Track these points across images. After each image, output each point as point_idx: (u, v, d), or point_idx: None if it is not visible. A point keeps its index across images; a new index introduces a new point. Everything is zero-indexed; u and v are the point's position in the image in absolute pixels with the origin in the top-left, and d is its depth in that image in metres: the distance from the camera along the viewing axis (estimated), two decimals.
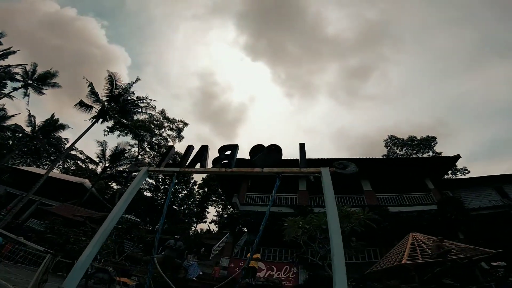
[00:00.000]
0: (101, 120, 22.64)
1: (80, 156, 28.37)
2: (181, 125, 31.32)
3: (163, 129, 31.03)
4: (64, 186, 25.65)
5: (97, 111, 22.65)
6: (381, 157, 16.72)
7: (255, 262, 8.55)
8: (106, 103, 23.14)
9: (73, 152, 28.90)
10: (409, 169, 15.04)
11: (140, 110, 23.94)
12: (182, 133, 31.64)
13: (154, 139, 31.43)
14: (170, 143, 32.16)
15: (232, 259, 12.40)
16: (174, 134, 31.61)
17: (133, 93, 24.58)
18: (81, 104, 22.80)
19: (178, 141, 31.77)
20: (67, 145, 28.72)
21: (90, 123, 22.00)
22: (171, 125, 31.01)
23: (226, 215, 13.88)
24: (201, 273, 9.16)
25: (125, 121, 23.80)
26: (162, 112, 30.43)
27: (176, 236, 8.67)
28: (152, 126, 29.65)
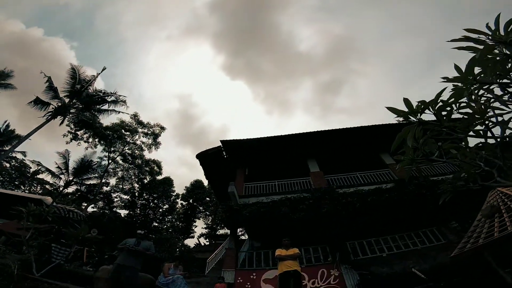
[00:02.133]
0: (59, 117, 18.34)
1: (38, 168, 23.06)
2: (157, 130, 27.15)
3: (136, 136, 26.64)
4: (19, 202, 20.21)
5: (54, 107, 18.30)
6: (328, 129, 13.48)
7: (296, 263, 4.97)
8: (67, 99, 18.95)
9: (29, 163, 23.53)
10: (362, 142, 12.29)
11: (107, 106, 19.84)
12: (159, 139, 27.35)
13: (126, 148, 26.86)
14: (145, 152, 27.75)
15: (238, 272, 8.57)
16: (150, 141, 27.26)
17: (101, 91, 20.54)
18: (37, 101, 18.45)
19: (155, 148, 27.43)
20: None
21: (45, 120, 17.58)
22: (145, 130, 26.71)
23: (222, 209, 9.41)
24: None
25: (88, 120, 19.44)
26: (135, 116, 26.17)
27: (139, 231, 4.96)
28: (124, 132, 25.21)
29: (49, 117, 17.93)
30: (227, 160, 12.78)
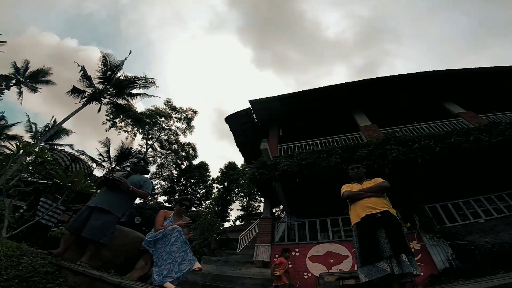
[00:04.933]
0: (94, 103, 18.19)
1: (82, 157, 23.70)
2: (190, 114, 26.27)
3: (171, 122, 26.08)
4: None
5: (89, 93, 18.17)
6: (376, 77, 10.16)
7: (384, 200, 2.49)
8: (100, 86, 18.74)
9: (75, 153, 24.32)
10: (420, 91, 9.53)
11: (138, 90, 19.16)
12: (192, 123, 26.47)
13: (162, 134, 26.48)
14: (181, 137, 27.12)
15: (276, 248, 6.61)
16: (184, 125, 26.53)
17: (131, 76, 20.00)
18: (74, 90, 18.49)
19: (189, 132, 26.66)
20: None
21: (82, 104, 17.53)
22: (179, 115, 25.99)
23: (253, 167, 7.19)
24: (196, 268, 2.50)
25: (122, 104, 19.05)
26: (168, 102, 25.59)
27: (133, 159, 3.22)
28: (159, 117, 24.73)
29: (85, 102, 17.81)
30: (258, 125, 10.79)
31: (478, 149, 6.10)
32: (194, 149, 27.49)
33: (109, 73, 18.88)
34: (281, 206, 12.10)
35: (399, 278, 2.22)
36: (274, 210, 14.86)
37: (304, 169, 6.26)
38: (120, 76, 18.91)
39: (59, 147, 24.75)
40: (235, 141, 11.58)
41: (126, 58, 19.15)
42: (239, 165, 27.09)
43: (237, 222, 23.46)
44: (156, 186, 29.60)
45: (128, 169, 3.14)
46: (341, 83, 9.50)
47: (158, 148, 28.14)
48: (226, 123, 10.82)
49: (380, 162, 5.80)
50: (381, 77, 9.29)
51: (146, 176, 3.17)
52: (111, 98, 19.28)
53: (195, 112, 26.43)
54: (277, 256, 6.36)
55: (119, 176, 2.76)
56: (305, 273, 5.71)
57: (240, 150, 12.25)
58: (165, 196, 28.72)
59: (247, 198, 26.21)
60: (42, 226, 4.22)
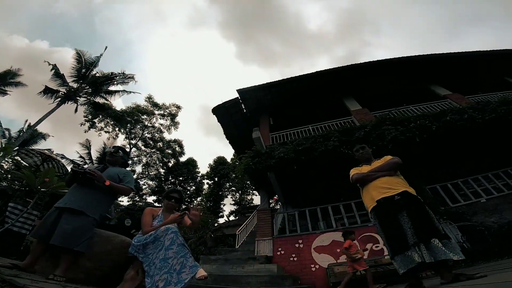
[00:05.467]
0: (70, 103, 16.94)
1: (62, 160, 22.27)
2: (174, 110, 25.30)
3: (154, 119, 25.01)
4: None
5: (63, 93, 16.88)
6: (363, 62, 9.97)
7: (399, 179, 2.28)
8: (75, 85, 17.45)
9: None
10: (406, 75, 9.51)
11: (116, 85, 18.06)
12: (177, 119, 25.54)
13: (145, 132, 25.39)
14: (165, 134, 26.15)
15: (277, 241, 6.33)
16: (168, 122, 25.55)
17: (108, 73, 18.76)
18: (46, 91, 17.15)
19: (174, 129, 25.74)
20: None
21: (56, 105, 16.28)
22: (162, 112, 24.95)
23: (247, 157, 6.68)
24: (201, 276, 1.93)
25: (99, 102, 17.91)
26: (150, 98, 24.43)
27: (109, 149, 2.69)
28: (140, 115, 23.61)
29: (59, 102, 16.56)
30: (247, 115, 10.34)
31: (472, 127, 6.04)
32: (181, 146, 26.64)
33: (83, 70, 17.62)
34: (276, 197, 11.82)
35: (440, 265, 1.90)
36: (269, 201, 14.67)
37: (301, 155, 5.92)
38: (96, 74, 17.71)
39: None
40: (224, 133, 11.08)
41: (101, 55, 17.92)
42: (228, 160, 26.58)
43: (231, 217, 23.11)
44: (144, 186, 28.57)
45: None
46: (328, 69, 9.25)
47: (143, 147, 27.06)
48: (214, 114, 10.28)
49: (379, 143, 5.58)
50: (368, 61, 9.13)
51: (126, 170, 2.65)
52: (88, 97, 18.08)
53: (178, 107, 25.51)
54: (280, 250, 6.05)
55: (92, 169, 2.26)
56: (312, 265, 5.43)
57: (230, 142, 11.78)
58: (154, 196, 27.79)
59: (239, 192, 25.85)
60: (14, 234, 3.64)
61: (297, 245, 5.96)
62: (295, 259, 5.74)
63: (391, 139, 5.52)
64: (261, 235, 6.65)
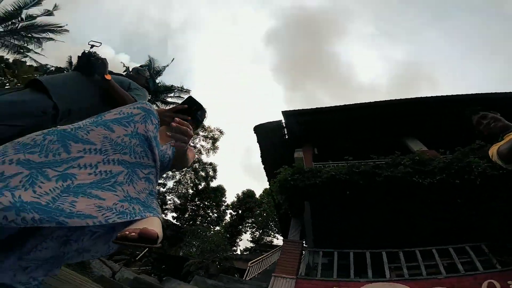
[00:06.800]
0: None
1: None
2: (216, 135, 25.79)
3: (197, 139, 25.70)
4: None
5: None
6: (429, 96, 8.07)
7: None
8: None
9: None
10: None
11: (172, 98, 19.23)
12: (218, 143, 25.86)
13: None
14: (203, 156, 26.44)
15: (302, 283, 4.83)
16: (209, 145, 25.96)
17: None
18: None
19: (213, 153, 25.91)
20: None
21: None
22: (205, 133, 25.62)
23: (284, 174, 5.42)
24: None
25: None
26: None
27: (137, 67, 2.02)
28: None
29: None
30: (289, 141, 9.51)
31: None
32: (215, 170, 26.42)
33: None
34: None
35: None
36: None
37: (359, 178, 4.67)
38: (159, 83, 19.27)
39: None
40: (261, 156, 10.30)
41: (168, 65, 19.61)
42: (257, 196, 25.25)
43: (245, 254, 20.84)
44: (169, 202, 28.33)
45: None
46: (388, 100, 8.17)
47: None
48: (254, 133, 9.72)
49: (464, 176, 4.12)
50: (435, 96, 7.90)
51: (121, 77, 1.92)
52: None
53: (221, 132, 25.98)
54: None
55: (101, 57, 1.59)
56: None
57: (264, 168, 10.85)
58: (175, 213, 27.17)
59: (260, 230, 23.69)
60: None
61: None
62: None
63: (479, 173, 4.03)
64: (281, 271, 5.16)
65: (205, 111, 1.62)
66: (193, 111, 1.15)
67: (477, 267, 4.10)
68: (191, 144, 1.54)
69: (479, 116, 1.72)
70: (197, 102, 1.17)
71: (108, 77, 1.55)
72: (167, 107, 18.77)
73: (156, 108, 1.32)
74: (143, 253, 9.38)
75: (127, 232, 0.56)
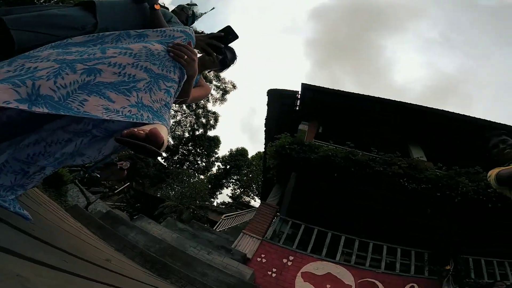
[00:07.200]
0: None
1: None
2: (229, 87, 25.29)
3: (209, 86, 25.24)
4: None
5: None
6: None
7: None
8: None
9: None
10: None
11: None
12: (227, 96, 25.56)
13: None
14: (209, 104, 26.31)
15: (264, 246, 5.25)
16: (218, 95, 25.60)
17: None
18: None
19: (219, 104, 25.74)
20: None
21: None
22: (218, 83, 25.09)
23: (281, 140, 5.44)
24: None
25: None
26: None
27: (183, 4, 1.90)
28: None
29: None
30: (296, 113, 9.40)
31: None
32: (216, 120, 26.48)
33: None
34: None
35: None
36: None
37: (353, 165, 4.79)
38: (192, 27, 18.26)
39: None
40: (265, 118, 10.25)
41: (205, 12, 18.17)
42: (249, 156, 25.80)
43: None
44: None
45: None
46: (402, 101, 7.99)
47: (184, 106, 27.45)
48: (267, 95, 9.55)
49: (446, 192, 4.28)
50: (451, 112, 7.74)
51: None
52: None
53: (234, 86, 25.44)
54: (263, 256, 4.90)
55: None
56: None
57: (265, 131, 10.88)
58: (165, 153, 27.81)
59: (242, 190, 24.76)
60: None
61: (284, 260, 4.83)
62: (274, 275, 4.61)
63: (461, 193, 4.20)
64: (251, 229, 5.51)
65: (235, 58, 1.64)
66: (229, 40, 1.21)
67: (410, 270, 4.58)
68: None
69: (500, 139, 1.72)
70: (234, 32, 1.22)
71: (157, 7, 1.50)
72: None
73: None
74: (123, 187, 9.39)
75: (135, 129, 0.55)
